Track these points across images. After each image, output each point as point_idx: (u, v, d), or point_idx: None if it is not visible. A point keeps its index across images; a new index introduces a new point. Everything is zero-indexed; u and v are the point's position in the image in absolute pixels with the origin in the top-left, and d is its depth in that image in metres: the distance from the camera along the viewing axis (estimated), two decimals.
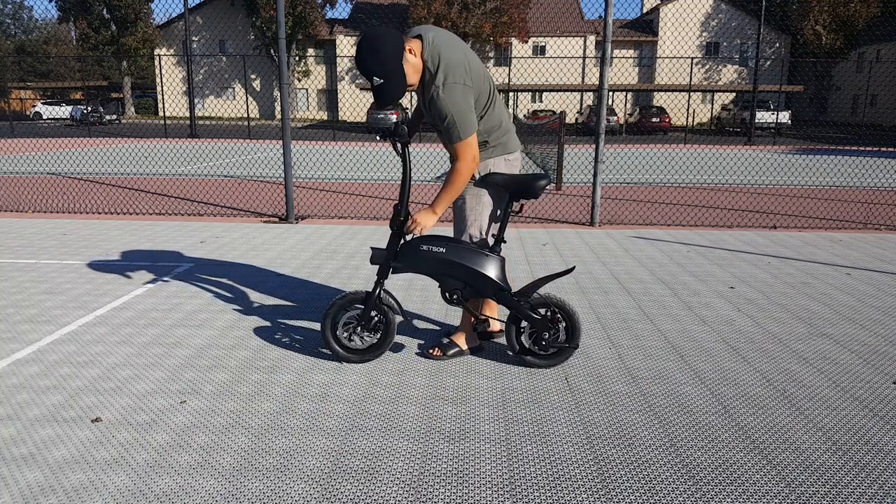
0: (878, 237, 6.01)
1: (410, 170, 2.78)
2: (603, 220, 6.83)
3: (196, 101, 47.20)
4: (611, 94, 40.79)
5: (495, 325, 3.21)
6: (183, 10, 56.81)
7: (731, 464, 2.11)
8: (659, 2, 46.44)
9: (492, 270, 2.74)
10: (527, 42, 41.71)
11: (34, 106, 42.21)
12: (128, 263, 4.76)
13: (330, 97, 46.82)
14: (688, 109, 23.95)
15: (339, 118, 46.49)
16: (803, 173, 12.64)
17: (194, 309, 3.68)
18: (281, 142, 22.33)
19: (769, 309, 3.76)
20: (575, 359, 2.99)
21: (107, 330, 3.33)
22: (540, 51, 44.03)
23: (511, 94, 38.69)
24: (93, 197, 8.30)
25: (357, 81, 45.24)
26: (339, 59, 44.99)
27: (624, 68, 45.91)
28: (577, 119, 34.36)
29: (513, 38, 40.82)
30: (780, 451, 2.19)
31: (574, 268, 3.52)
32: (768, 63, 44.38)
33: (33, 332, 3.28)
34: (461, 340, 3.00)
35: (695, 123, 42.51)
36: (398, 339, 3.23)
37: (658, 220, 6.92)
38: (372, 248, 3.20)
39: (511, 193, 2.74)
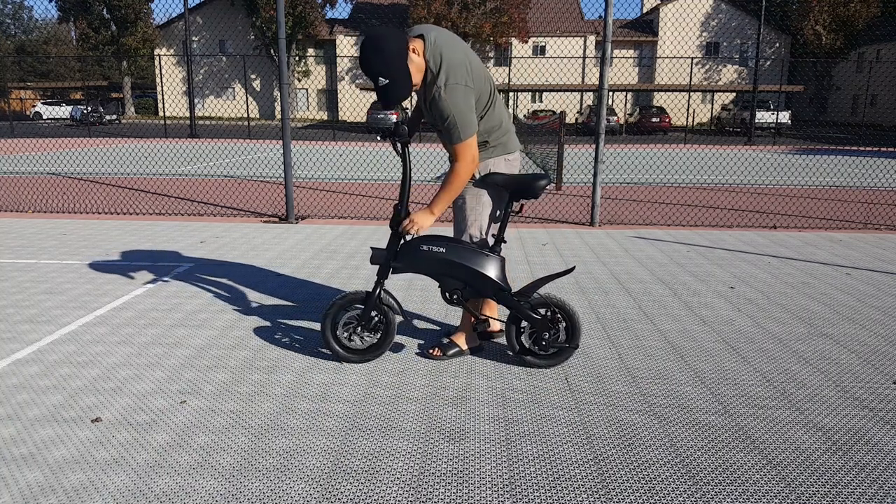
0: (878, 237, 6.01)
1: (410, 170, 2.78)
2: (603, 220, 6.83)
3: (196, 101, 47.21)
4: (611, 94, 40.79)
5: (495, 325, 3.21)
6: (183, 10, 56.81)
7: (731, 464, 2.11)
8: (659, 2, 46.44)
9: (492, 270, 2.74)
10: (527, 42, 41.72)
11: (34, 106, 42.22)
12: (128, 263, 4.76)
13: (330, 97, 46.82)
14: (688, 109, 23.95)
15: (339, 118, 46.50)
16: (803, 173, 12.64)
17: (194, 309, 3.68)
18: (281, 142, 22.33)
19: (769, 309, 3.76)
20: (575, 359, 2.99)
21: (107, 330, 3.33)
22: (540, 51, 44.04)
23: (511, 94, 38.69)
24: (93, 197, 8.30)
25: (357, 81, 45.25)
26: (339, 59, 44.99)
27: (624, 68, 45.92)
28: (577, 119, 34.36)
29: (513, 38, 40.83)
30: (780, 451, 2.19)
31: (574, 268, 3.52)
32: (768, 63, 44.38)
33: (33, 332, 3.28)
34: (461, 340, 3.00)
35: (695, 123, 42.51)
36: (398, 339, 3.23)
37: (658, 220, 6.92)
38: (372, 248, 3.20)
39: (511, 193, 2.74)
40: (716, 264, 4.86)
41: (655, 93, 44.78)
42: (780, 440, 2.26)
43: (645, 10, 47.70)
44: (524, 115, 35.18)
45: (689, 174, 12.30)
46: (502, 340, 3.21)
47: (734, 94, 43.93)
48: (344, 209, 7.51)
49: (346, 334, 2.89)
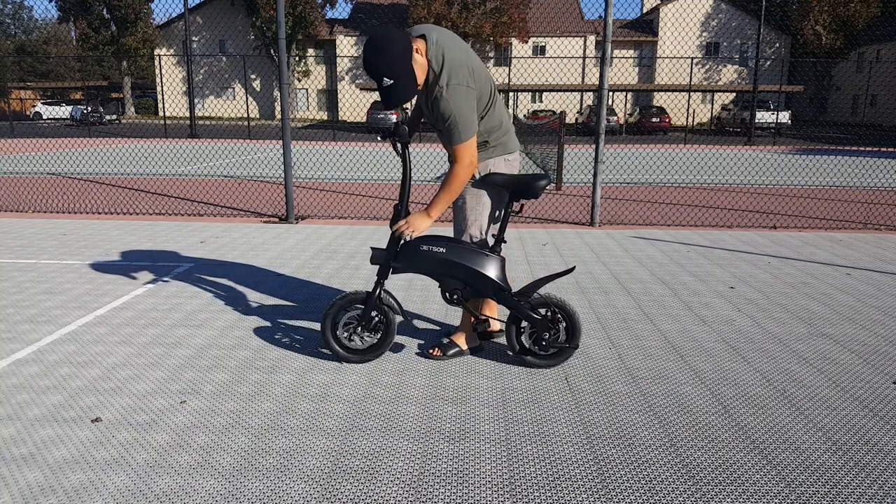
0: (878, 237, 6.01)
1: (410, 170, 2.78)
2: (603, 220, 6.83)
3: (196, 101, 47.21)
4: (611, 94, 40.79)
5: (495, 325, 3.21)
6: (183, 10, 56.80)
7: (731, 464, 2.11)
8: (659, 2, 46.44)
9: (492, 270, 2.74)
10: (527, 42, 41.73)
11: (34, 106, 42.21)
12: (128, 263, 4.76)
13: (330, 97, 46.82)
14: (688, 109, 23.96)
15: (339, 118, 46.50)
16: (803, 173, 12.64)
17: (194, 309, 3.68)
18: (281, 142, 22.33)
19: (769, 309, 3.76)
20: (575, 359, 2.99)
21: (107, 330, 3.33)
22: (540, 51, 44.04)
23: (511, 94, 38.69)
24: (93, 197, 8.30)
25: (357, 81, 45.25)
26: (339, 59, 45.00)
27: (624, 68, 45.92)
28: (577, 119, 34.36)
29: (513, 38, 40.83)
30: (780, 451, 2.19)
31: (574, 268, 3.52)
32: (768, 63, 44.38)
33: (33, 332, 3.28)
34: (461, 340, 3.00)
35: (695, 123, 42.51)
36: (398, 339, 3.23)
37: (658, 220, 6.92)
38: (372, 249, 3.20)
39: (511, 193, 2.74)
40: (716, 264, 4.86)
41: (655, 93, 44.77)
42: (780, 440, 2.26)
43: (645, 10, 47.70)
44: (524, 115, 35.18)
45: (689, 174, 12.30)
46: (502, 340, 3.21)
47: (734, 94, 43.94)
48: (344, 209, 7.51)
49: (346, 334, 2.89)
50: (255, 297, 3.93)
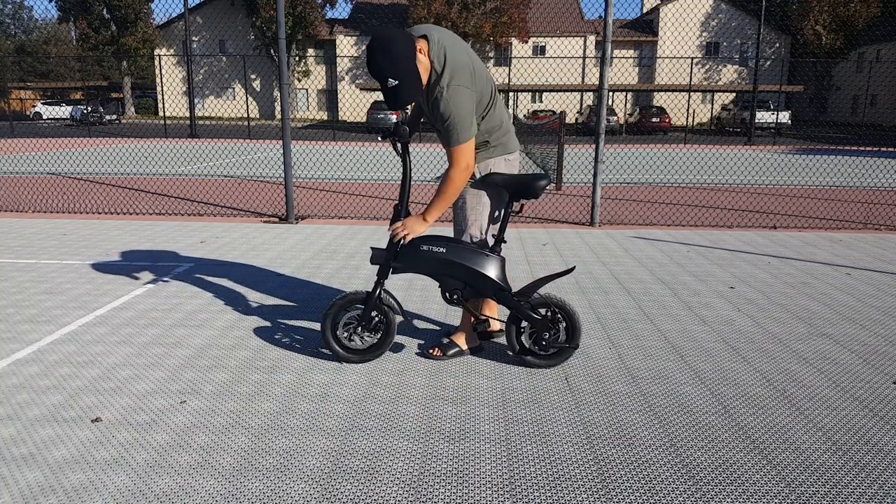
0: (878, 237, 6.01)
1: (410, 170, 2.78)
2: (603, 220, 6.83)
3: (196, 101, 47.21)
4: (611, 94, 40.79)
5: (495, 325, 3.21)
6: (183, 10, 56.80)
7: (731, 464, 2.11)
8: (659, 2, 46.44)
9: (492, 270, 2.74)
10: (527, 42, 41.73)
11: (34, 106, 42.21)
12: (128, 263, 4.76)
13: (330, 97, 46.82)
14: (688, 109, 23.95)
15: (339, 118, 46.50)
16: (803, 173, 12.64)
17: (194, 309, 3.68)
18: (281, 142, 22.33)
19: (769, 309, 3.76)
20: (575, 359, 2.99)
21: (107, 330, 3.33)
22: (540, 51, 44.04)
23: (511, 94, 38.69)
24: (93, 197, 8.30)
25: (357, 81, 45.25)
26: (339, 59, 45.00)
27: (624, 68, 45.92)
28: (577, 119, 34.36)
29: (513, 38, 40.83)
30: (780, 451, 2.19)
31: (574, 268, 3.52)
32: (768, 63, 44.38)
33: (33, 332, 3.28)
34: (461, 340, 3.00)
35: (695, 123, 42.51)
36: (398, 339, 3.23)
37: (658, 220, 6.92)
38: (372, 248, 3.20)
39: (511, 193, 2.74)
40: (716, 264, 4.86)
41: (655, 93, 44.77)
42: (780, 440, 2.26)
43: (645, 10, 47.70)
44: (524, 115, 35.18)
45: (689, 174, 12.30)
46: (502, 340, 3.21)
47: (734, 94, 43.94)
48: (344, 209, 7.51)
49: (346, 334, 2.89)
50: (255, 297, 3.93)
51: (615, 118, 29.83)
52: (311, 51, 45.98)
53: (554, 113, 28.62)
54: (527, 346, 2.88)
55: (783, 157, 17.43)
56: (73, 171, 11.89)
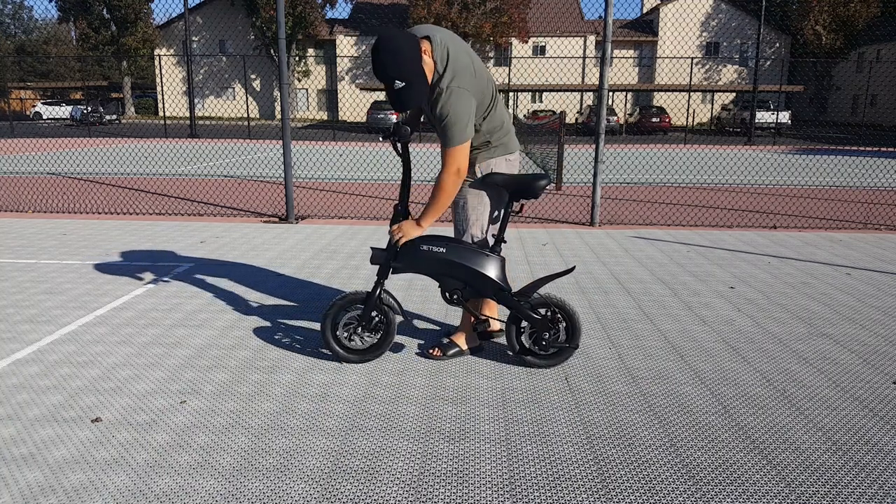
0: (878, 237, 6.01)
1: (410, 170, 2.78)
2: (603, 220, 6.83)
3: (196, 101, 47.21)
4: (611, 94, 40.79)
5: (495, 325, 3.21)
6: (183, 10, 56.80)
7: (731, 464, 2.11)
8: (659, 2, 46.44)
9: (492, 270, 2.74)
10: (527, 42, 41.72)
11: (34, 106, 42.21)
12: (128, 263, 4.76)
13: (330, 97, 46.82)
14: (688, 109, 23.96)
15: (339, 118, 46.50)
16: (803, 173, 12.64)
17: (194, 309, 3.68)
18: (281, 142, 22.33)
19: (769, 309, 3.76)
20: (575, 359, 2.99)
21: (107, 330, 3.33)
22: (540, 51, 44.04)
23: (511, 94, 38.69)
24: (93, 197, 8.30)
25: (357, 81, 45.26)
26: (339, 59, 45.00)
27: (624, 68, 45.92)
28: (577, 119, 34.36)
29: (513, 38, 40.82)
30: (780, 451, 2.19)
31: (574, 268, 3.52)
32: (768, 63, 44.38)
33: (33, 332, 3.28)
34: (461, 340, 3.00)
35: (695, 123, 42.50)
36: (398, 339, 3.23)
37: (658, 220, 6.92)
38: (372, 249, 3.20)
39: (511, 193, 2.74)
40: (716, 264, 4.86)
41: (655, 93, 44.78)
42: (780, 440, 2.26)
43: (645, 10, 47.70)
44: (524, 115, 35.18)
45: (689, 174, 12.30)
46: (502, 340, 3.21)
47: (734, 94, 43.94)
48: (344, 209, 7.51)
49: (346, 334, 2.89)
50: (255, 297, 3.93)
51: (615, 118, 29.83)
52: (311, 51, 45.99)
53: (554, 113, 28.62)
54: (527, 346, 2.88)
55: (783, 157, 17.43)
56: (73, 171, 11.89)
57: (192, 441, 2.22)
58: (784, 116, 31.04)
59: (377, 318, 2.88)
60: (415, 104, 2.54)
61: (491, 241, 2.87)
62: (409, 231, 2.72)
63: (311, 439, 2.24)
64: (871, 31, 43.01)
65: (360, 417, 2.41)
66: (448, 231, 6.16)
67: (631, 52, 45.40)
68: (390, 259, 2.80)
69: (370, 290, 3.02)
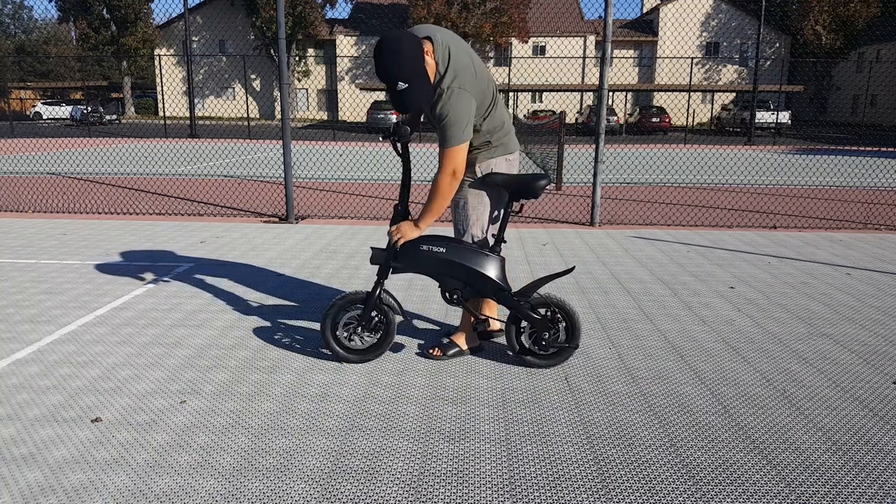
0: (878, 237, 6.01)
1: (410, 170, 2.78)
2: (603, 220, 6.83)
3: (196, 101, 47.21)
4: (611, 94, 40.79)
5: (495, 325, 3.21)
6: (183, 10, 56.79)
7: (731, 464, 2.11)
8: (659, 2, 46.44)
9: (492, 270, 2.74)
10: (527, 42, 41.72)
11: (34, 106, 42.21)
12: (128, 263, 4.76)
13: (330, 97, 46.82)
14: (688, 109, 23.96)
15: (339, 118, 46.50)
16: (803, 173, 12.64)
17: (194, 309, 3.68)
18: (281, 142, 22.33)
19: (769, 309, 3.76)
20: (575, 359, 2.99)
21: (107, 330, 3.33)
22: (540, 51, 44.04)
23: (511, 94, 38.69)
24: (93, 197, 8.30)
25: (357, 81, 45.26)
26: (339, 59, 45.00)
27: (624, 68, 45.92)
28: (577, 119, 34.36)
29: (513, 38, 40.82)
30: (780, 451, 2.19)
31: (574, 268, 3.52)
32: (768, 63, 44.38)
33: (33, 332, 3.28)
34: (461, 340, 3.00)
35: (695, 123, 42.50)
36: (398, 339, 3.23)
37: (658, 220, 6.92)
38: (372, 248, 3.20)
39: (511, 193, 2.74)
40: (716, 264, 4.86)
41: (655, 93, 44.78)
42: (780, 440, 2.26)
43: (645, 10, 47.70)
44: (524, 115, 35.18)
45: (689, 174, 12.31)
46: (502, 340, 3.21)
47: (734, 94, 43.94)
48: (344, 209, 7.51)
49: (346, 334, 2.89)
50: (255, 297, 3.93)
51: (615, 118, 29.83)
52: (311, 51, 45.98)
53: (554, 113, 28.62)
54: (527, 346, 2.88)
55: (783, 157, 17.43)
56: (73, 171, 11.89)
57: (192, 441, 2.22)
58: (784, 116, 31.05)
59: (377, 318, 2.88)
60: (418, 105, 2.52)
61: (491, 241, 2.87)
62: (408, 232, 2.72)
63: (311, 439, 2.24)
64: (871, 31, 43.01)
65: (360, 417, 2.41)
66: (448, 231, 6.16)
67: (631, 52, 45.40)
68: (390, 259, 2.80)
69: (370, 290, 3.02)
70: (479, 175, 2.78)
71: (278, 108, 47.01)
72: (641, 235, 6.02)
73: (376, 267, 4.73)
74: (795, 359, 3.00)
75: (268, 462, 2.10)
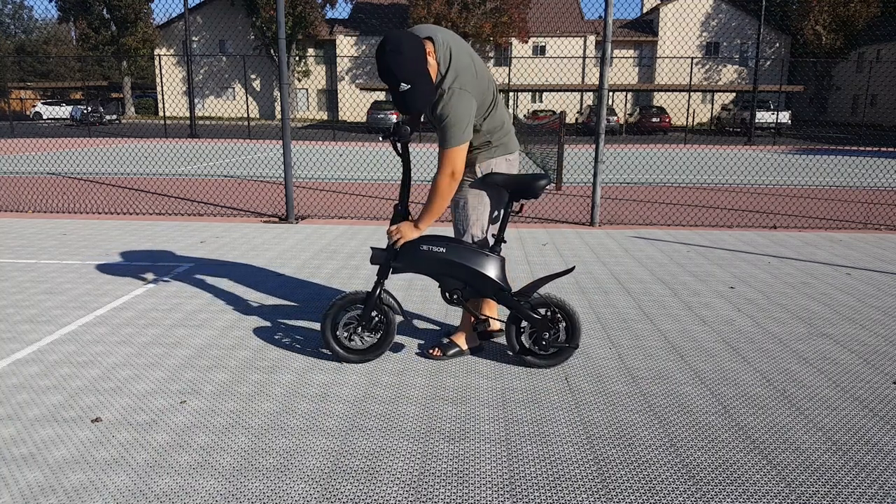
0: (878, 237, 6.01)
1: (410, 170, 2.78)
2: (603, 220, 6.83)
3: (196, 101, 47.20)
4: (611, 94, 40.79)
5: (495, 325, 3.21)
6: (183, 10, 56.79)
7: (731, 464, 2.11)
8: (659, 2, 46.44)
9: (492, 270, 2.74)
10: (527, 42, 41.71)
11: (34, 106, 42.21)
12: (128, 263, 4.76)
13: (330, 97, 46.82)
14: (688, 109, 23.96)
15: (339, 118, 46.49)
16: (803, 173, 12.64)
17: (194, 309, 3.68)
18: (281, 142, 22.33)
19: (769, 309, 3.76)
20: (575, 359, 2.99)
21: (107, 330, 3.33)
22: (540, 51, 44.03)
23: (511, 94, 38.69)
24: (93, 197, 8.30)
25: (357, 81, 45.26)
26: (339, 59, 44.99)
27: (624, 68, 45.92)
28: (577, 119, 34.36)
29: (513, 38, 40.82)
30: (780, 451, 2.19)
31: (574, 268, 3.52)
32: (768, 63, 44.38)
33: (33, 332, 3.28)
34: (461, 340, 3.00)
35: (695, 123, 42.50)
36: (398, 339, 3.23)
37: (658, 220, 6.92)
38: (372, 248, 3.20)
39: (511, 193, 2.74)
40: (716, 264, 4.86)
41: (655, 93, 44.78)
42: (780, 440, 2.26)
43: (645, 10, 47.70)
44: (524, 115, 35.18)
45: (689, 174, 12.30)
46: (502, 340, 3.21)
47: (734, 94, 43.94)
48: (344, 209, 7.51)
49: (346, 334, 2.89)
50: (255, 297, 3.93)
51: (615, 118, 29.83)
52: (311, 51, 45.98)
53: (554, 113, 28.62)
54: (527, 346, 2.88)
55: (783, 157, 17.43)
56: (73, 171, 11.89)
57: (192, 441, 2.22)
58: (784, 116, 31.05)
59: (377, 318, 2.88)
60: (420, 107, 2.51)
61: (491, 241, 2.87)
62: (407, 233, 2.72)
63: (311, 439, 2.24)
64: (871, 31, 43.01)
65: (360, 417, 2.41)
66: (448, 231, 6.16)
67: (631, 52, 45.40)
68: (390, 259, 2.80)
69: (370, 290, 3.02)
70: (479, 175, 2.78)
71: (278, 108, 47.01)
72: (641, 235, 6.02)
73: (376, 267, 4.73)
74: (795, 359, 3.00)
75: (268, 462, 2.10)
